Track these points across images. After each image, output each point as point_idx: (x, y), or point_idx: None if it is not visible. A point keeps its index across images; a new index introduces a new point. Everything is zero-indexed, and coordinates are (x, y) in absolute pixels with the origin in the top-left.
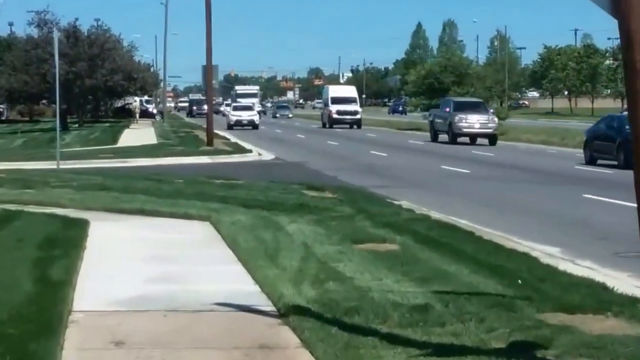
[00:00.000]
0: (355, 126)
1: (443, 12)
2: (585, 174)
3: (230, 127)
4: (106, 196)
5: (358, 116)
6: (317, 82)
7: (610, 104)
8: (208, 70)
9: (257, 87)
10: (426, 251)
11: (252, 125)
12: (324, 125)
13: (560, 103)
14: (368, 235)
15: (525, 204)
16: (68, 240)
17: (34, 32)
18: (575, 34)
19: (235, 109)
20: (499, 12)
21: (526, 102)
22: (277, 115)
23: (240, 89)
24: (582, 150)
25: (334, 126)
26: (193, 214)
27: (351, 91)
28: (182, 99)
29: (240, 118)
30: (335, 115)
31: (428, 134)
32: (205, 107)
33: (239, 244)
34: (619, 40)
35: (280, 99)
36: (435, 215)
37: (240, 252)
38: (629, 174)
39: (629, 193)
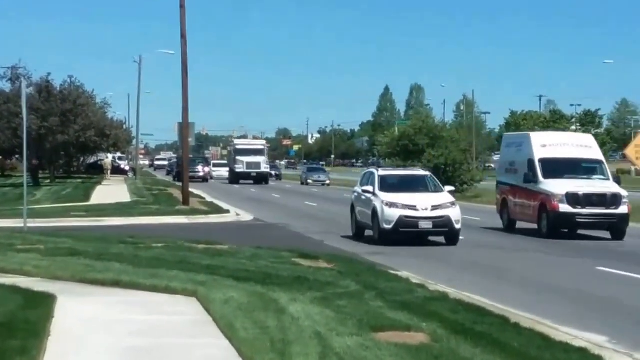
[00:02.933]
0: (613, 232)
1: (410, 76)
2: (584, 243)
3: (383, 235)
4: (77, 263)
5: (624, 209)
6: (285, 142)
7: None
8: (184, 127)
9: (264, 142)
10: (465, 345)
11: (448, 232)
12: (509, 225)
13: None
14: (388, 321)
15: (538, 278)
16: (29, 324)
17: (7, 86)
18: (540, 100)
19: (386, 186)
20: (465, 77)
21: (492, 165)
22: (309, 181)
23: (240, 143)
24: None
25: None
26: (177, 287)
27: (587, 143)
28: (159, 157)
29: (416, 215)
30: (567, 209)
31: None
32: (200, 168)
33: (236, 332)
34: (582, 106)
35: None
36: (449, 291)
37: (240, 343)
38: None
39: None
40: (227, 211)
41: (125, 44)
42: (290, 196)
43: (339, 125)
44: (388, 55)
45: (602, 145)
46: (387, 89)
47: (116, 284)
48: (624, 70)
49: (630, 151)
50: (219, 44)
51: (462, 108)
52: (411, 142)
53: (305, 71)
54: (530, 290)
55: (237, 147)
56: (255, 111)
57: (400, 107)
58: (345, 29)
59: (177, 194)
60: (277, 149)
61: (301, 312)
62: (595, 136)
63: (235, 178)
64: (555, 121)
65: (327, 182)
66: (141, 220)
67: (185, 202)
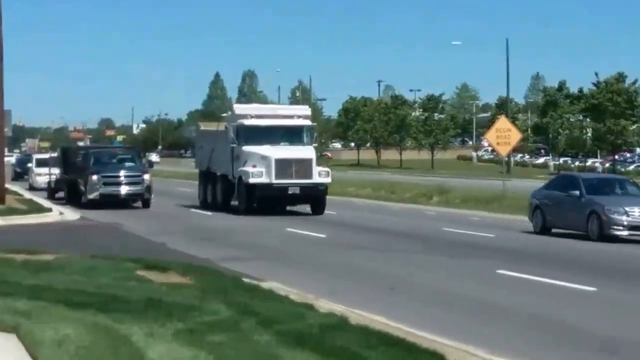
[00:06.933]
0: None
1: (242, 62)
2: (463, 238)
3: None
4: None
5: None
6: (108, 132)
7: (415, 156)
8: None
9: (307, 110)
10: None
11: None
12: None
13: (365, 155)
14: None
15: (436, 287)
16: None
17: None
18: (379, 85)
19: None
20: (301, 62)
21: (329, 154)
22: (619, 231)
23: (253, 111)
24: (428, 207)
25: None
26: None
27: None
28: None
29: None
30: None
31: None
32: (132, 176)
33: None
34: (422, 92)
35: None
36: (341, 310)
37: None
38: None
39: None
40: (49, 210)
41: None
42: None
43: (166, 114)
44: (218, 41)
45: (444, 130)
46: (217, 75)
47: None
48: (463, 55)
49: (491, 136)
50: (33, 27)
51: (297, 94)
52: None
53: (128, 58)
54: (431, 302)
55: (246, 123)
56: (76, 101)
57: (232, 94)
58: (171, 13)
59: None
60: (98, 140)
61: (166, 357)
62: (438, 122)
63: (243, 197)
64: (397, 107)
65: None
66: None
67: (1, 200)
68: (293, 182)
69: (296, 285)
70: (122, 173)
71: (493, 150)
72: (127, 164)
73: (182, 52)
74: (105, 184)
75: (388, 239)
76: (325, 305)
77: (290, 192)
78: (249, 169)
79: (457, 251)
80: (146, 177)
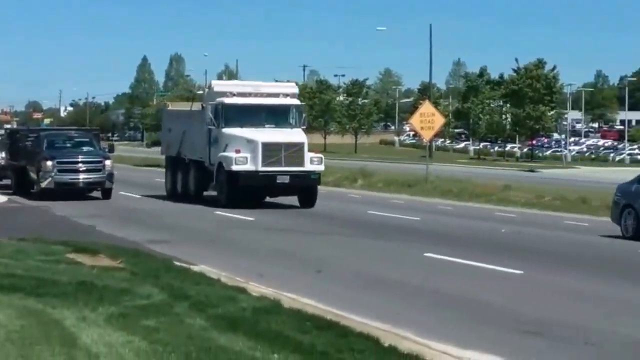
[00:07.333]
0: None
1: (170, 46)
2: (389, 220)
3: None
4: None
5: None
6: (35, 115)
7: (339, 140)
8: None
9: (294, 87)
10: None
11: None
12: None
13: None
14: (224, 353)
15: (364, 270)
16: None
17: None
18: (304, 70)
19: None
20: (228, 47)
21: None
22: None
23: (233, 88)
24: (352, 190)
25: None
26: None
27: None
28: None
29: None
30: None
31: None
32: (89, 161)
33: None
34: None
35: None
36: (271, 293)
37: None
38: None
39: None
40: None
41: None
42: None
43: (93, 98)
44: (145, 25)
45: (368, 115)
46: (145, 59)
47: None
48: (387, 41)
49: (415, 120)
50: None
51: (224, 78)
52: None
53: (56, 41)
54: (357, 285)
55: (228, 101)
56: (3, 83)
57: (160, 78)
58: None
59: None
60: (26, 122)
61: (99, 342)
62: (362, 106)
63: (224, 187)
64: (322, 92)
65: None
66: None
67: None
68: (282, 169)
69: (226, 269)
70: (80, 158)
71: (415, 135)
72: (85, 148)
73: (110, 35)
74: (60, 170)
75: (314, 222)
76: (255, 288)
77: (278, 181)
78: (231, 154)
79: (384, 234)
80: (107, 163)
